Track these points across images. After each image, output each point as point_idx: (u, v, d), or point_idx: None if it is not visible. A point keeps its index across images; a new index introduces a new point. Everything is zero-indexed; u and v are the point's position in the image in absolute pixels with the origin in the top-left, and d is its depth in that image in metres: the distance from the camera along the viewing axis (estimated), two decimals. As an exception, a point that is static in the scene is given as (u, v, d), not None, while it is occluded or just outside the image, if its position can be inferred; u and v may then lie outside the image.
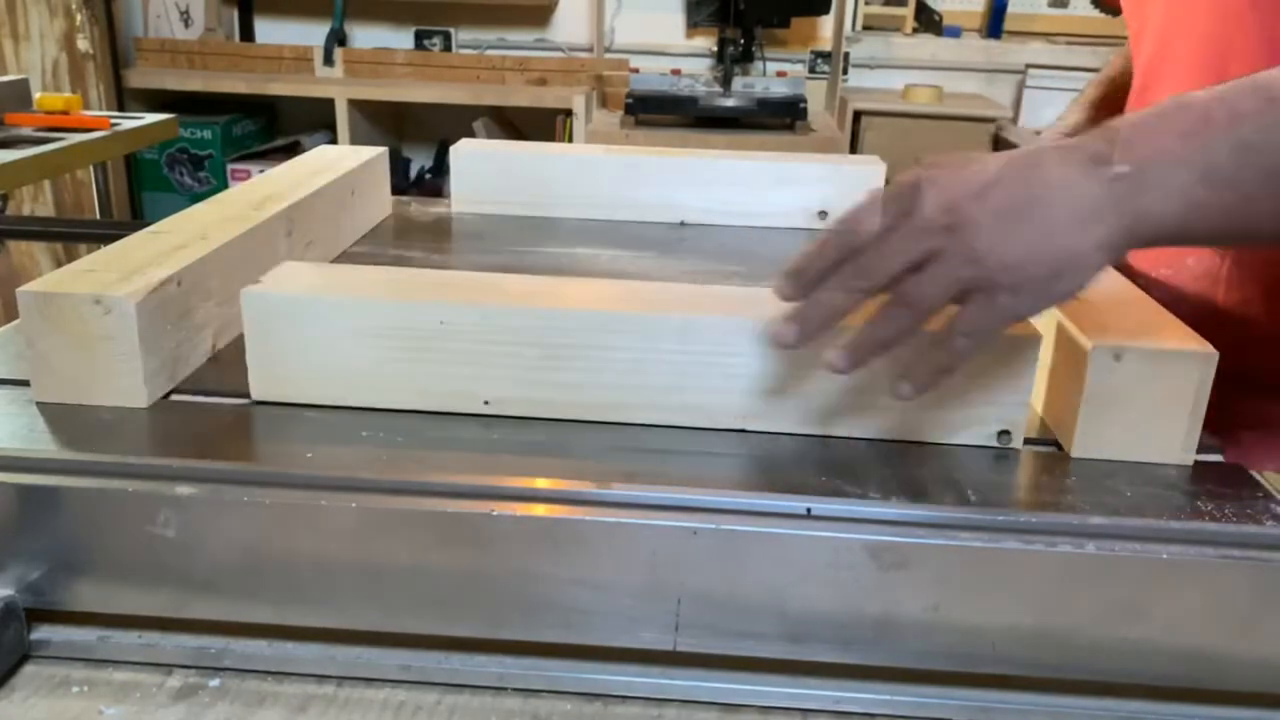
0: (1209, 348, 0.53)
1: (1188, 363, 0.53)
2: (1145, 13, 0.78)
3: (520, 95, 2.83)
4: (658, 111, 2.51)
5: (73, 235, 1.94)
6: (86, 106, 2.15)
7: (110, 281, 0.56)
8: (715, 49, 2.99)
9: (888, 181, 1.02)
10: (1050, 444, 0.57)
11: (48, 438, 0.52)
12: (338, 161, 0.91)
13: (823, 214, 1.02)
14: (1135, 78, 0.80)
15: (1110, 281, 0.64)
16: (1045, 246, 0.46)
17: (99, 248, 0.62)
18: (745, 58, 2.78)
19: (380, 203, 0.99)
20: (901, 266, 0.47)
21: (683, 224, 1.02)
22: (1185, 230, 0.48)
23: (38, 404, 0.56)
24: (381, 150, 0.97)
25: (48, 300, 0.54)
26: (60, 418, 0.55)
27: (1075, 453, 0.55)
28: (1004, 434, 0.56)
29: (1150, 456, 0.55)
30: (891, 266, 0.47)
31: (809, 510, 0.48)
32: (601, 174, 1.01)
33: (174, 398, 0.58)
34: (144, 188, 2.98)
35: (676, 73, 2.67)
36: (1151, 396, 0.54)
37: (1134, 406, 0.54)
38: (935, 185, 0.48)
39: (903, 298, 0.48)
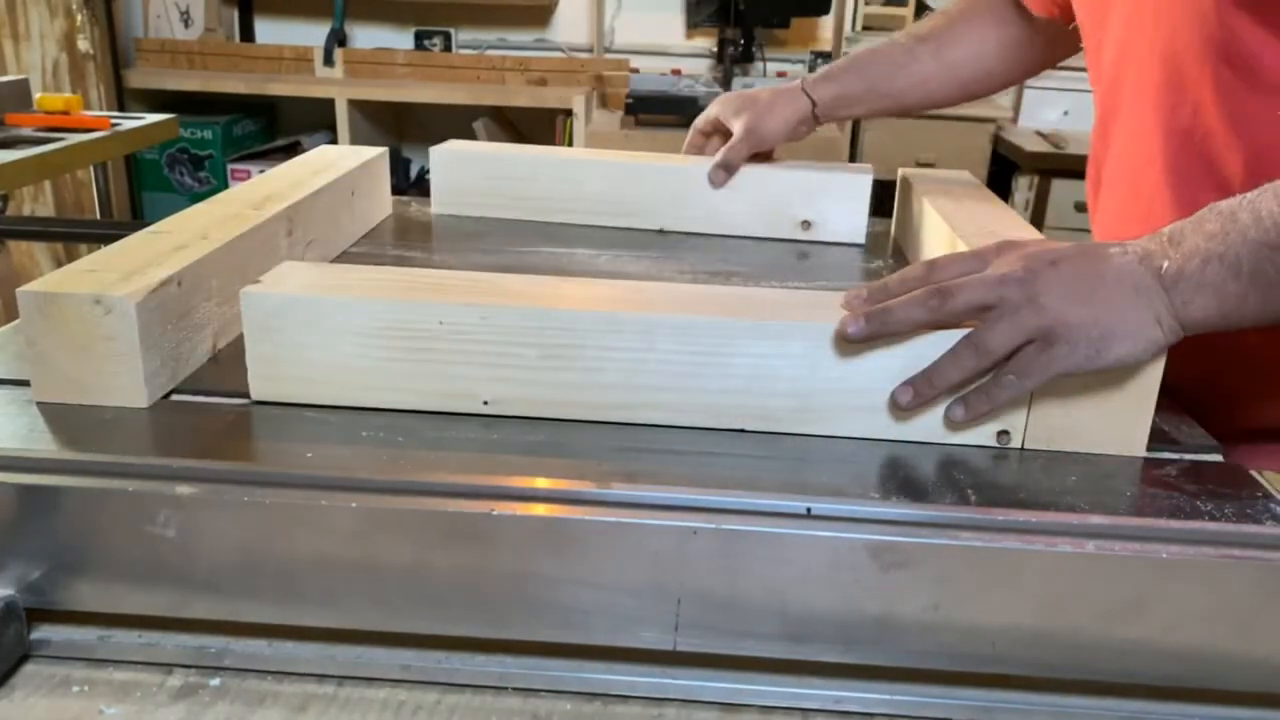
0: None
1: None
2: (1101, 37, 0.78)
3: (520, 95, 2.83)
4: (658, 111, 2.52)
5: (73, 235, 1.94)
6: (86, 106, 2.15)
7: (110, 281, 0.56)
8: (715, 49, 2.99)
9: (876, 184, 1.01)
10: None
11: (48, 438, 0.52)
12: (338, 161, 0.91)
13: (806, 224, 0.99)
14: (1095, 107, 0.80)
15: None
16: (1103, 313, 0.52)
17: (99, 248, 0.62)
18: (745, 58, 2.79)
19: (380, 203, 0.99)
20: (978, 302, 0.53)
21: (662, 231, 1.00)
22: (1225, 318, 0.54)
23: (38, 404, 0.56)
24: (382, 150, 0.97)
25: (48, 300, 0.54)
26: (60, 418, 0.55)
27: (1026, 444, 0.56)
28: (1003, 434, 0.56)
29: (1102, 448, 0.56)
30: (969, 299, 0.53)
31: (809, 510, 0.48)
32: (583, 178, 1.00)
33: (174, 398, 0.58)
34: (144, 188, 2.98)
35: (676, 73, 2.68)
36: (1100, 388, 0.55)
37: (1085, 399, 0.55)
38: (1015, 248, 0.56)
39: (972, 342, 0.53)
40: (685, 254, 0.92)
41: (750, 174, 0.99)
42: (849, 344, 0.54)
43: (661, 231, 1.00)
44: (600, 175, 1.00)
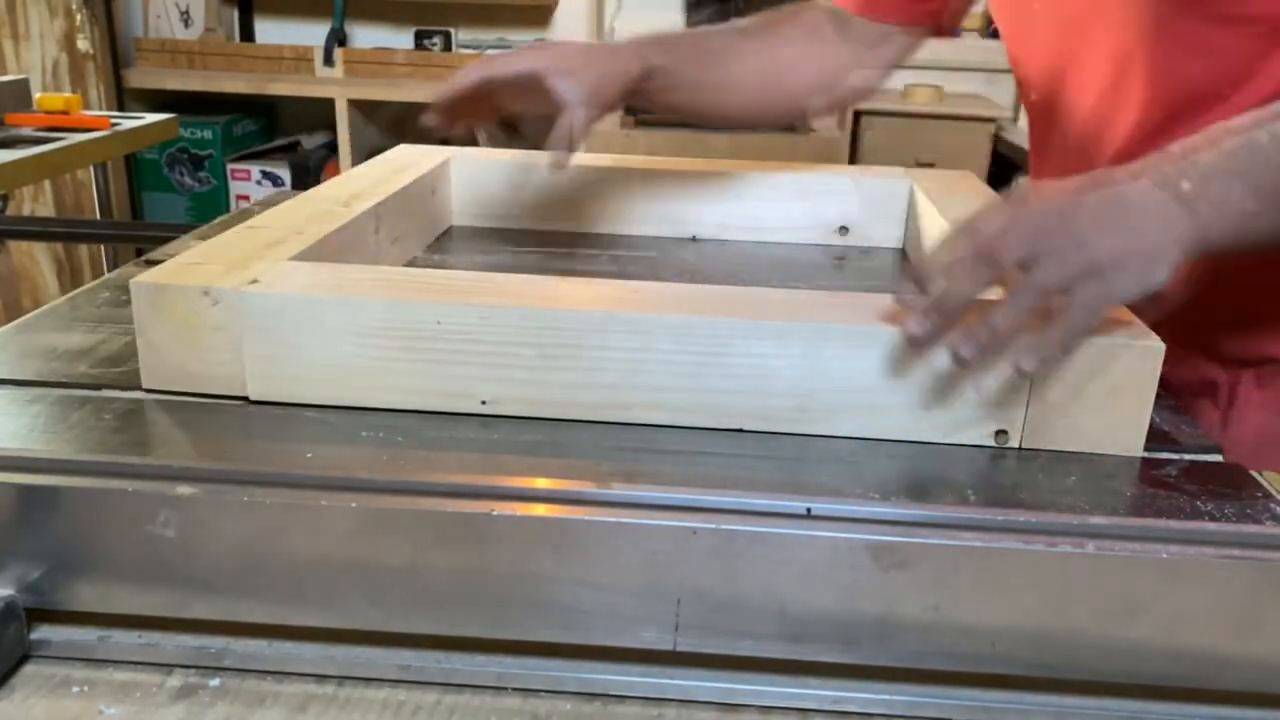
0: (1155, 340, 0.55)
1: (1135, 355, 0.54)
2: (1033, 48, 0.79)
3: (520, 95, 2.82)
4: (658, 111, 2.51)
5: (73, 235, 1.94)
6: (86, 106, 2.15)
7: (217, 274, 0.58)
8: (715, 49, 2.99)
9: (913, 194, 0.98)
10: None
11: (53, 437, 0.52)
12: (418, 161, 0.92)
13: (843, 229, 0.96)
14: (1031, 112, 0.81)
15: None
16: (1139, 239, 0.53)
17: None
18: (745, 58, 2.78)
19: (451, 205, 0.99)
20: (1023, 251, 0.52)
21: (694, 239, 0.97)
22: (1241, 237, 0.55)
23: (146, 389, 0.58)
24: (453, 151, 0.97)
25: (159, 291, 0.56)
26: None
27: (1024, 444, 0.56)
28: (1001, 433, 0.56)
29: (1101, 448, 0.56)
30: (1014, 254, 0.52)
31: (809, 510, 0.48)
32: (610, 185, 0.97)
33: (175, 397, 0.58)
34: (144, 188, 2.98)
35: (676, 73, 2.66)
36: (1101, 388, 0.55)
37: (1083, 398, 0.55)
38: (1038, 193, 0.55)
39: (1026, 285, 0.52)
40: (690, 256, 0.92)
41: (786, 179, 0.96)
42: (916, 347, 0.53)
43: (694, 239, 0.97)
44: (630, 182, 0.97)
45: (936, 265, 0.54)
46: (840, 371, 0.55)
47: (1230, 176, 0.54)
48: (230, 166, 2.92)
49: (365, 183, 0.83)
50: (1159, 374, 0.55)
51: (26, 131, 1.73)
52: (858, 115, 2.81)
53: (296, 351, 0.57)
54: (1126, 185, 0.55)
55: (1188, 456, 0.57)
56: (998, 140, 2.80)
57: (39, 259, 2.56)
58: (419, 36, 3.12)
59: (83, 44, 2.67)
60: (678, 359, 0.56)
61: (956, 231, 0.55)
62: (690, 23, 3.02)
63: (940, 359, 0.54)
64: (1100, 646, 0.47)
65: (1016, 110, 3.03)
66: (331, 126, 2.84)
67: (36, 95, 1.86)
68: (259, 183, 2.91)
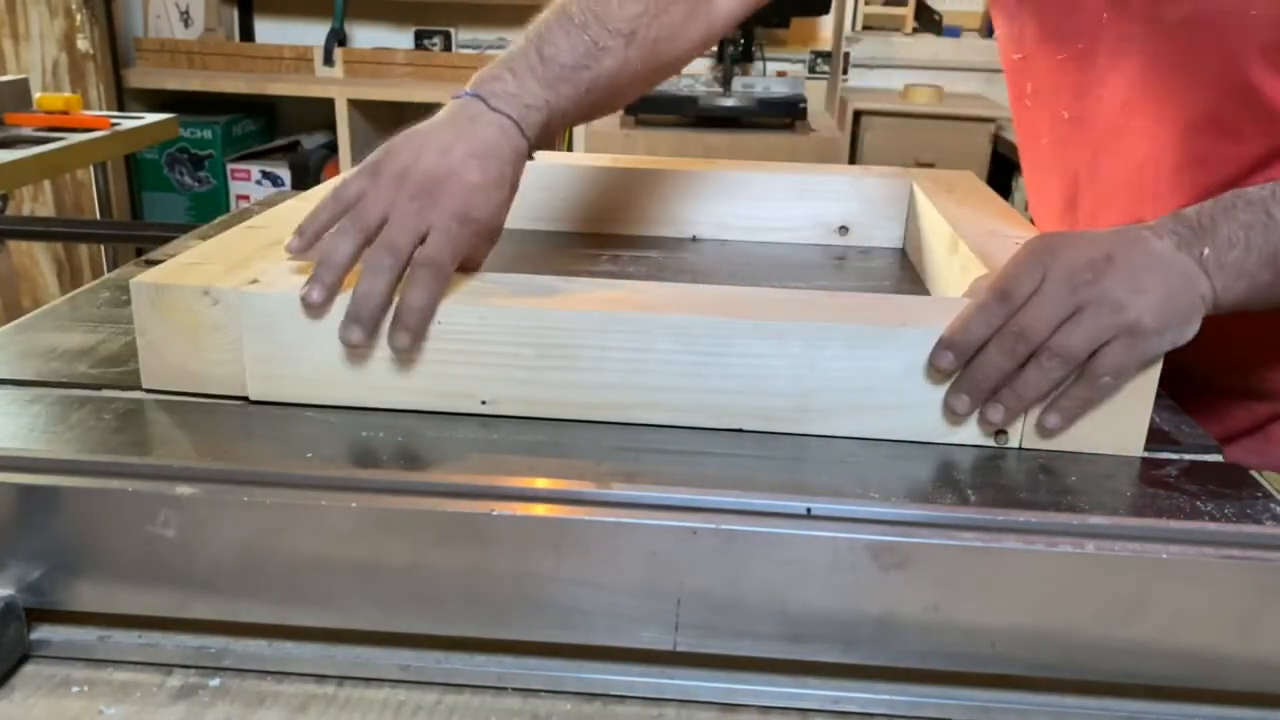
0: None
1: None
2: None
3: (520, 95, 2.82)
4: (658, 111, 2.51)
5: (73, 235, 1.94)
6: (86, 106, 2.16)
7: (217, 274, 0.58)
8: (715, 48, 2.99)
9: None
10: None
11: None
12: None
13: (843, 229, 0.96)
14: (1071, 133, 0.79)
15: None
16: (1173, 300, 0.54)
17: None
18: (745, 57, 2.78)
19: None
20: (1056, 321, 0.53)
21: (694, 239, 0.97)
22: (1249, 302, 0.57)
23: (146, 389, 0.58)
24: None
25: (159, 291, 0.56)
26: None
27: (1024, 444, 0.56)
28: (1001, 434, 0.56)
29: (1101, 448, 0.56)
30: (1051, 322, 0.53)
31: (809, 510, 0.48)
32: (610, 185, 0.97)
33: (175, 397, 0.58)
34: (144, 188, 2.98)
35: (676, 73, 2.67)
36: None
37: None
38: (1067, 247, 0.55)
39: (1055, 349, 0.53)
40: (690, 256, 0.92)
41: (786, 179, 0.96)
42: (955, 420, 0.56)
43: (694, 239, 0.97)
44: (629, 182, 0.97)
45: (971, 336, 0.54)
46: (840, 371, 0.55)
47: (1247, 249, 0.56)
48: (230, 166, 2.92)
49: None
50: (1159, 374, 0.55)
51: (26, 131, 1.73)
52: (858, 115, 2.81)
53: (296, 351, 0.57)
54: (1153, 243, 0.55)
55: (1188, 456, 0.57)
56: (998, 140, 2.80)
57: (39, 259, 2.56)
58: (419, 36, 3.12)
59: (83, 44, 2.67)
60: (678, 359, 0.55)
61: (988, 294, 0.54)
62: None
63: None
64: (1100, 646, 0.47)
65: (1016, 110, 3.03)
66: (331, 126, 2.84)
67: (36, 95, 1.86)
68: (259, 183, 2.91)
